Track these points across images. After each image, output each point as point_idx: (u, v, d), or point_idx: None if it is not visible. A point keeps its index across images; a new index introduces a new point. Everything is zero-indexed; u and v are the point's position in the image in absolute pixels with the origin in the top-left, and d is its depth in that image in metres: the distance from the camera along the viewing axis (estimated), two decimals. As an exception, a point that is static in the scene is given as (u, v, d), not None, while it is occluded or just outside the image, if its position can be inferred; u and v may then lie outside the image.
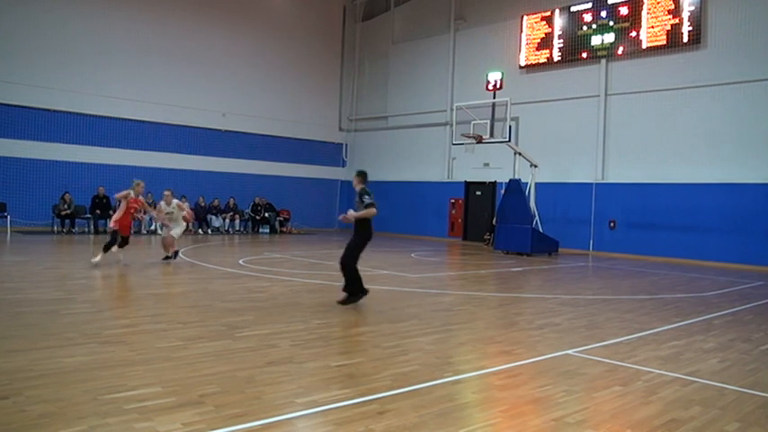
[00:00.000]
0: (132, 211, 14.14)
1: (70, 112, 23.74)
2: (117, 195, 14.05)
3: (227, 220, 26.94)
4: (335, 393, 5.29)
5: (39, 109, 23.05)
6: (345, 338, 7.46)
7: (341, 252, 9.67)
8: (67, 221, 22.63)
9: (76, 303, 8.95)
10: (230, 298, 10.21)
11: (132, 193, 13.94)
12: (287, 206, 29.34)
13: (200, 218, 25.96)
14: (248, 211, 27.91)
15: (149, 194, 24.71)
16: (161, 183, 25.39)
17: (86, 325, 7.62)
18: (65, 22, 23.42)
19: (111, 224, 13.91)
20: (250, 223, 27.95)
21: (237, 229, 27.34)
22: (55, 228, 22.70)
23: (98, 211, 23.24)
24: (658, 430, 4.81)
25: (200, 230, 25.83)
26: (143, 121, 25.62)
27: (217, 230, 26.46)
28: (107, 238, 14.05)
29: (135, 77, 25.15)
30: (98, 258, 13.27)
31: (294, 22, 30.53)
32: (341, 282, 9.77)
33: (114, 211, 21.94)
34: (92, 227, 23.25)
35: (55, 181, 23.01)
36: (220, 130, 28.03)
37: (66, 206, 22.45)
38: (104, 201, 23.39)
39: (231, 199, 27.20)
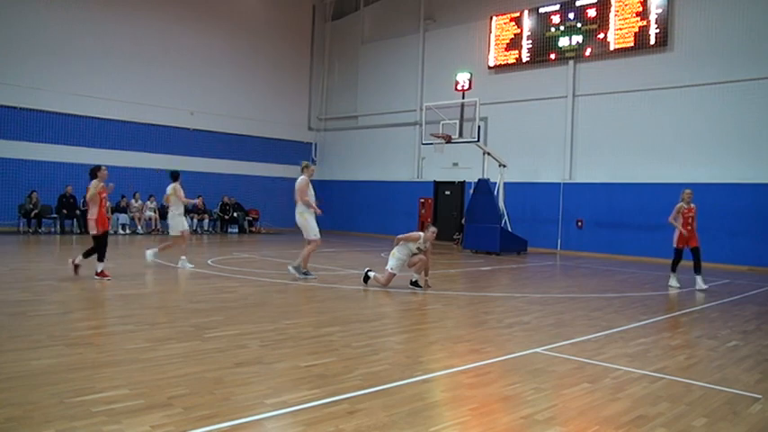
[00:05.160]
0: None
1: (36, 110, 23.38)
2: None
3: (196, 220, 26.73)
4: (305, 394, 5.27)
5: (3, 106, 22.67)
6: (315, 338, 7.44)
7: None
8: (33, 221, 22.32)
9: (44, 305, 8.82)
10: (199, 298, 10.13)
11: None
12: (256, 206, 29.19)
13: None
14: (217, 210, 27.72)
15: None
16: (128, 181, 25.18)
17: (54, 327, 7.51)
18: (29, 19, 23.06)
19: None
20: (218, 223, 27.77)
21: (206, 228, 27.15)
22: (21, 228, 22.35)
23: (65, 211, 22.96)
24: (626, 426, 4.86)
25: (168, 230, 25.59)
26: (110, 120, 25.32)
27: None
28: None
29: (101, 75, 24.84)
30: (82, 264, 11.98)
31: (263, 21, 30.39)
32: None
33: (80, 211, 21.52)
34: (58, 227, 22.95)
35: (21, 180, 22.64)
36: (189, 129, 27.81)
37: (32, 205, 22.12)
38: (71, 200, 23.11)
39: (199, 198, 27.00)
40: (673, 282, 14.08)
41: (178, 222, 14.40)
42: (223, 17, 28.83)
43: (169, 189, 14.26)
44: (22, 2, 22.93)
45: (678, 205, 13.83)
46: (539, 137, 24.53)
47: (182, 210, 14.46)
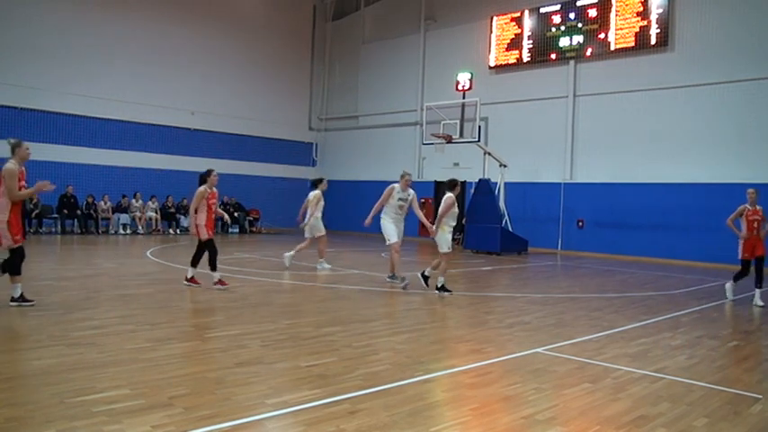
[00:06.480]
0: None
1: (36, 110, 23.36)
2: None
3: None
4: (306, 394, 5.27)
5: (4, 107, 22.65)
6: (316, 338, 7.44)
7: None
8: (34, 221, 22.33)
9: (44, 305, 8.81)
10: (199, 298, 10.13)
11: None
12: (256, 206, 29.18)
13: (169, 218, 25.83)
14: (218, 211, 27.69)
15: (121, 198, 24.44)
16: (129, 181, 25.22)
17: (54, 327, 7.51)
18: (29, 20, 23.04)
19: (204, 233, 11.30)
20: (219, 223, 27.75)
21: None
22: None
23: (66, 211, 22.96)
24: (627, 426, 4.86)
25: (169, 230, 25.64)
26: (111, 120, 25.29)
27: (186, 230, 26.22)
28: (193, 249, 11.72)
29: (103, 75, 24.82)
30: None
31: (264, 21, 30.39)
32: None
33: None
34: (59, 227, 22.96)
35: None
36: (189, 129, 27.80)
37: (33, 205, 22.12)
38: (72, 200, 23.10)
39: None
40: (729, 293, 12.37)
41: (317, 226, 14.90)
42: (224, 17, 28.81)
43: (312, 195, 14.92)
44: (23, 3, 22.93)
45: (741, 207, 11.93)
46: (539, 137, 24.52)
47: (320, 214, 14.96)
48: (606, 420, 4.98)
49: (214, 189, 11.51)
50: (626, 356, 7.17)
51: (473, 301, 11.18)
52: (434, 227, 11.57)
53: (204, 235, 11.21)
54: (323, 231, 15.02)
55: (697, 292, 13.44)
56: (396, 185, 12.59)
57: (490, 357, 6.91)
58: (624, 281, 15.29)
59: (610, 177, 22.61)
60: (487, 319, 9.45)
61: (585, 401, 5.45)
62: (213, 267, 11.17)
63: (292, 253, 14.85)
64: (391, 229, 12.45)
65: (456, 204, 11.69)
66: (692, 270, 18.51)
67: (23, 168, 8.78)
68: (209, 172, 11.51)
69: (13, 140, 8.77)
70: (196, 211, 11.28)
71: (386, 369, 6.21)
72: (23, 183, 8.72)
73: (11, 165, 8.51)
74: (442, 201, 11.68)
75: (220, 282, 11.07)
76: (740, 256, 12.00)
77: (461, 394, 5.69)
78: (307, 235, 14.99)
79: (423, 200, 27.96)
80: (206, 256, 11.25)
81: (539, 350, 7.30)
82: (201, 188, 11.26)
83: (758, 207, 11.87)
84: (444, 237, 11.56)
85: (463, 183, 26.40)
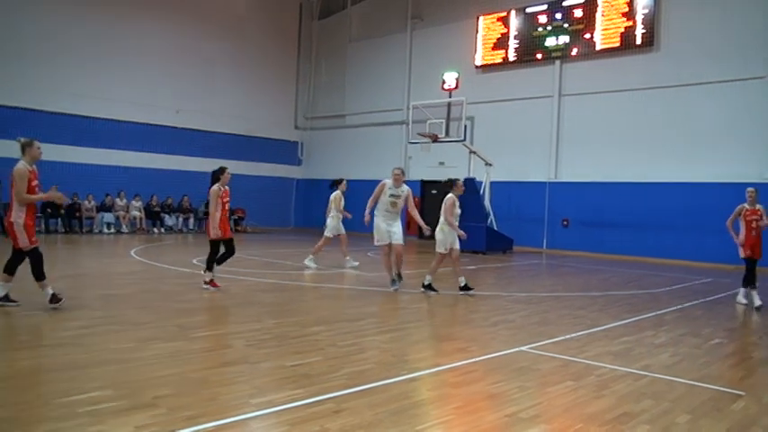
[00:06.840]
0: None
1: (21, 108, 23.10)
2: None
3: (181, 219, 26.64)
4: (290, 393, 5.27)
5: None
6: (301, 338, 7.44)
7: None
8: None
9: (30, 305, 8.75)
10: (184, 298, 10.10)
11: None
12: (242, 205, 29.05)
13: (154, 217, 25.74)
14: (202, 209, 27.62)
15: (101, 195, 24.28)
16: (113, 180, 25.05)
17: (39, 327, 7.48)
18: (18, 19, 22.87)
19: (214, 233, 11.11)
20: (204, 222, 27.66)
21: (191, 228, 27.04)
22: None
23: (49, 210, 22.81)
24: (610, 423, 4.89)
25: (153, 229, 25.53)
26: (95, 118, 25.09)
27: (170, 229, 26.14)
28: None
29: (87, 74, 24.63)
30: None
31: (250, 19, 30.28)
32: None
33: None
34: (43, 226, 22.79)
35: (6, 179, 22.42)
36: (174, 127, 27.65)
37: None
38: (56, 199, 22.96)
39: (185, 197, 26.88)
40: (741, 297, 11.85)
41: (334, 226, 15.41)
42: (209, 15, 28.65)
43: (333, 196, 15.48)
44: (23, 3, 22.83)
45: (739, 207, 11.62)
46: (525, 136, 24.57)
47: (339, 214, 15.48)
48: (590, 417, 5.02)
49: (226, 187, 11.36)
50: (609, 354, 7.22)
51: (458, 300, 11.20)
52: (438, 228, 11.75)
53: (213, 234, 11.08)
54: (331, 234, 15.36)
55: (680, 291, 13.53)
56: (387, 181, 12.47)
57: (474, 356, 6.94)
58: (608, 279, 15.38)
59: (595, 177, 22.70)
60: (472, 317, 9.49)
61: (569, 399, 5.48)
62: (209, 267, 11.10)
63: (347, 258, 15.46)
64: (381, 230, 12.12)
65: (457, 204, 11.77)
66: (675, 269, 18.61)
67: (34, 168, 8.74)
68: (222, 170, 11.38)
69: (23, 139, 8.71)
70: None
71: (371, 368, 6.22)
72: (36, 183, 8.68)
73: (20, 165, 8.49)
74: (443, 202, 11.76)
75: (212, 282, 11.01)
76: (742, 254, 11.66)
77: (446, 393, 5.71)
78: (341, 232, 15.47)
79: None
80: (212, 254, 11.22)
81: (523, 348, 7.34)
82: (215, 187, 11.12)
83: (758, 207, 11.51)
84: (442, 237, 11.65)
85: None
